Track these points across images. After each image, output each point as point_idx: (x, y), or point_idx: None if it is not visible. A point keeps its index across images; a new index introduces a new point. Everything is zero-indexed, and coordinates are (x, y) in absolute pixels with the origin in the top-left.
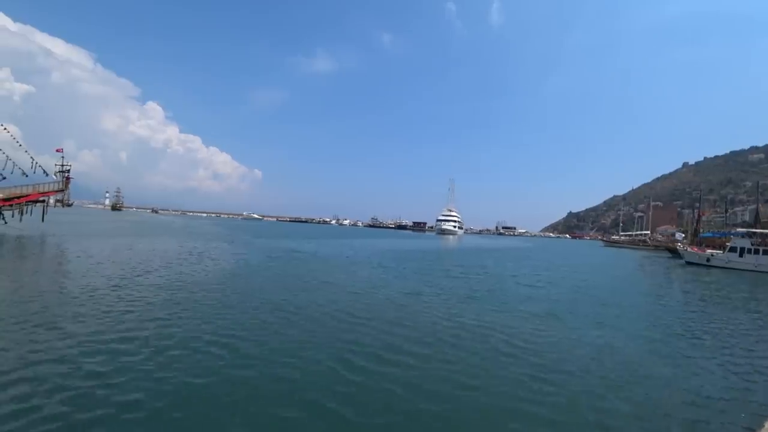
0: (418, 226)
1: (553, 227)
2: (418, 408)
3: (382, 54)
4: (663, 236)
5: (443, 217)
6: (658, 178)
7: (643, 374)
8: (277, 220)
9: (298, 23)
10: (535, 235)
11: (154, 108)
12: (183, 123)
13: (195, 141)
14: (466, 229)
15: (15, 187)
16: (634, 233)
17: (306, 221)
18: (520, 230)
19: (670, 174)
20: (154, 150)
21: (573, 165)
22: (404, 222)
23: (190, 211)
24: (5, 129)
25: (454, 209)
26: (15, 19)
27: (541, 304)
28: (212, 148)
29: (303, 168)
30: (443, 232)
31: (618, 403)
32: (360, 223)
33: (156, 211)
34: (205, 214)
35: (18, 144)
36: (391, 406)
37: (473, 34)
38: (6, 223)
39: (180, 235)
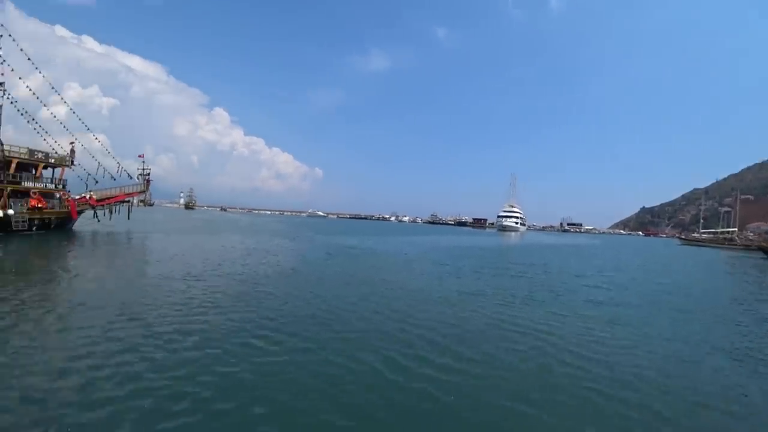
0: (478, 223)
1: (623, 224)
2: (466, 421)
3: (438, 49)
4: (755, 234)
5: (504, 213)
6: (748, 168)
7: (733, 395)
8: (338, 217)
9: (352, 23)
10: (603, 232)
11: (220, 113)
12: (247, 126)
13: (258, 143)
14: (529, 226)
15: (105, 189)
16: (718, 231)
17: (365, 218)
18: (586, 227)
19: (763, 163)
20: (221, 153)
21: (646, 156)
22: (464, 218)
23: (255, 209)
24: (97, 139)
25: (515, 205)
26: (100, 42)
27: (607, 308)
28: (275, 149)
29: (362, 166)
30: (504, 228)
31: (698, 423)
32: (419, 220)
33: (224, 210)
34: (269, 212)
35: (107, 151)
36: (436, 417)
37: (533, 23)
38: (99, 221)
39: (246, 231)
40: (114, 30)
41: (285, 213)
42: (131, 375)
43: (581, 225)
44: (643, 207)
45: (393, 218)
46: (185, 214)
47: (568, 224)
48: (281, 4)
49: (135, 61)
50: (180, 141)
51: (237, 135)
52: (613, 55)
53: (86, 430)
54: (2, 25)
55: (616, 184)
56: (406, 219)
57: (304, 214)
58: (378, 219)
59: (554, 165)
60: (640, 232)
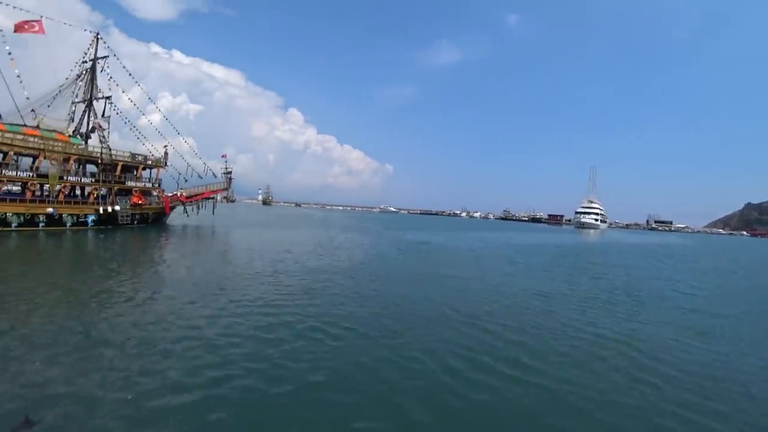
0: (554, 219)
1: (723, 222)
2: None
3: (509, 37)
4: None
5: (583, 210)
6: None
7: None
8: (408, 213)
9: (421, 17)
10: (697, 231)
11: (294, 114)
12: (319, 125)
13: (331, 140)
14: (610, 223)
15: (194, 187)
16: None
17: (436, 214)
18: (677, 225)
19: None
20: (295, 151)
21: (752, 145)
22: (538, 215)
23: (328, 205)
24: (186, 142)
25: (595, 200)
26: (187, 54)
27: (700, 319)
28: (346, 146)
29: (432, 161)
30: (583, 225)
31: None
32: (491, 216)
33: (299, 205)
34: (340, 208)
35: (195, 153)
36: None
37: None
38: (188, 215)
39: (319, 226)
40: (198, 42)
41: (356, 209)
42: (191, 357)
43: (671, 223)
44: (749, 203)
45: (464, 214)
46: (263, 209)
47: (656, 222)
48: (349, 4)
49: (217, 70)
50: (258, 141)
51: (310, 134)
52: (708, 25)
53: (154, 395)
54: (109, 47)
55: (715, 176)
56: (477, 215)
57: (376, 210)
58: (448, 215)
59: (639, 156)
60: (745, 232)
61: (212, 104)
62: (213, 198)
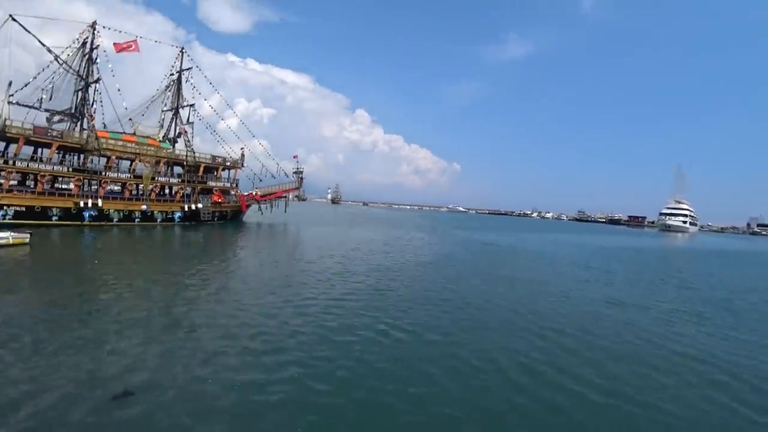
0: (635, 221)
1: None
2: None
3: (582, 23)
4: None
5: (669, 211)
6: None
7: None
8: (477, 212)
9: (487, 11)
10: None
11: (362, 114)
12: (386, 124)
13: (398, 140)
14: (701, 226)
15: (268, 186)
16: None
17: (505, 214)
18: None
19: None
20: (363, 151)
21: None
22: (617, 216)
23: (395, 204)
24: (260, 144)
25: (683, 201)
26: (260, 62)
27: None
28: (413, 145)
29: (501, 159)
30: (669, 228)
31: None
32: (564, 217)
33: (366, 204)
34: (408, 207)
35: (268, 154)
36: None
37: None
38: (262, 213)
39: (386, 225)
40: (270, 50)
41: (424, 208)
42: (261, 345)
43: None
44: None
45: (535, 214)
46: (332, 208)
47: (758, 225)
48: (414, 3)
49: (288, 75)
50: (327, 142)
51: (377, 133)
52: None
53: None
54: (192, 59)
55: None
56: (549, 215)
57: (444, 209)
58: (518, 215)
59: (737, 151)
60: None
61: (284, 108)
62: (285, 197)
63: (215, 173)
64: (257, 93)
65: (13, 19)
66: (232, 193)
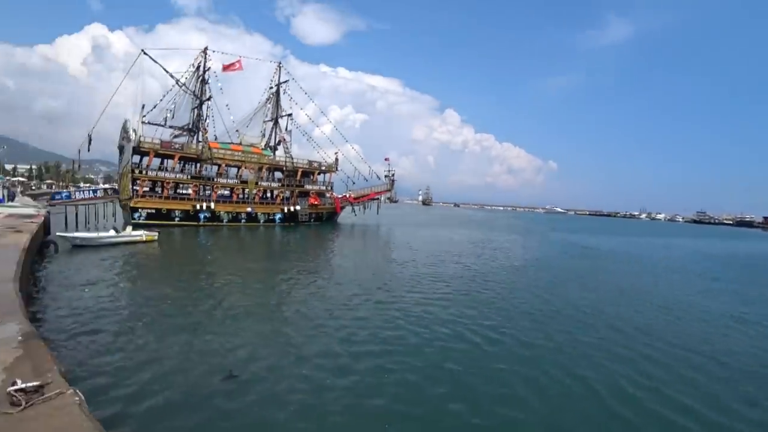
0: None
1: None
2: None
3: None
4: None
5: None
6: None
7: None
8: (576, 214)
9: None
10: None
11: (451, 115)
12: (477, 124)
13: (489, 139)
14: None
15: (361, 189)
16: None
17: (608, 215)
18: None
19: None
20: (453, 151)
21: None
22: (748, 217)
23: (488, 205)
24: (353, 148)
25: None
26: (350, 70)
27: None
28: (506, 144)
29: (603, 155)
30: None
31: None
32: (679, 218)
33: (457, 206)
34: (501, 208)
35: (361, 158)
36: None
37: None
38: (356, 215)
39: (478, 226)
40: (359, 58)
41: (518, 209)
42: (352, 343)
43: None
44: None
45: (643, 215)
46: (423, 209)
47: None
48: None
49: (377, 80)
50: (417, 144)
51: (467, 133)
52: None
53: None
54: (288, 72)
55: None
56: (660, 217)
57: (540, 210)
58: (623, 216)
59: None
60: None
61: (375, 112)
62: (378, 199)
63: (312, 177)
64: (349, 99)
65: (145, 53)
66: (328, 195)
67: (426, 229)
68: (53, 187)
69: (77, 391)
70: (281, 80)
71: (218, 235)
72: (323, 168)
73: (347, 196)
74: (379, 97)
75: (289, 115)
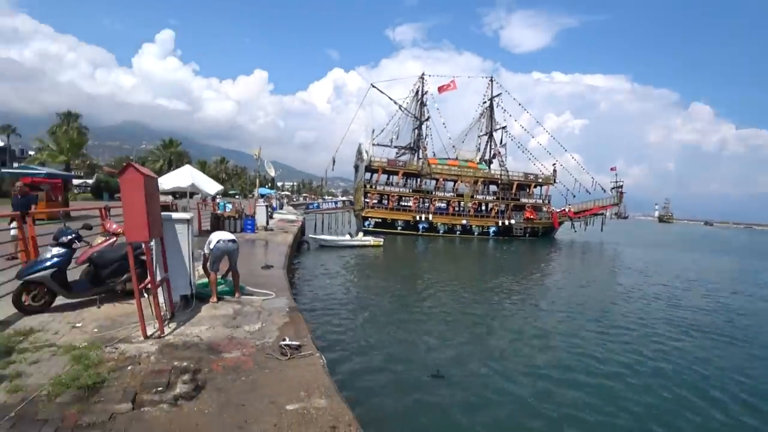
0: None
1: None
2: None
3: None
4: None
5: None
6: None
7: None
8: None
9: None
10: None
11: (699, 109)
12: (739, 117)
13: (760, 136)
14: None
15: (582, 203)
16: None
17: None
18: None
19: None
20: (705, 154)
21: None
22: None
23: (759, 225)
24: (572, 158)
25: None
26: (565, 73)
27: None
28: None
29: None
30: None
31: None
32: None
33: (709, 224)
34: None
35: (582, 168)
36: None
37: None
38: (576, 231)
39: (738, 253)
40: (574, 58)
41: None
42: (564, 368)
43: None
44: None
45: None
46: (659, 227)
47: None
48: None
49: (597, 80)
50: (652, 148)
51: (726, 131)
52: None
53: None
54: (500, 85)
55: None
56: None
57: None
58: None
59: None
60: None
61: (596, 116)
62: (602, 214)
63: (527, 190)
64: (566, 105)
65: (374, 86)
66: (544, 209)
67: (664, 252)
68: (307, 199)
69: (321, 355)
70: (493, 94)
71: (434, 245)
72: (540, 180)
73: (566, 210)
74: (601, 97)
75: (504, 127)
